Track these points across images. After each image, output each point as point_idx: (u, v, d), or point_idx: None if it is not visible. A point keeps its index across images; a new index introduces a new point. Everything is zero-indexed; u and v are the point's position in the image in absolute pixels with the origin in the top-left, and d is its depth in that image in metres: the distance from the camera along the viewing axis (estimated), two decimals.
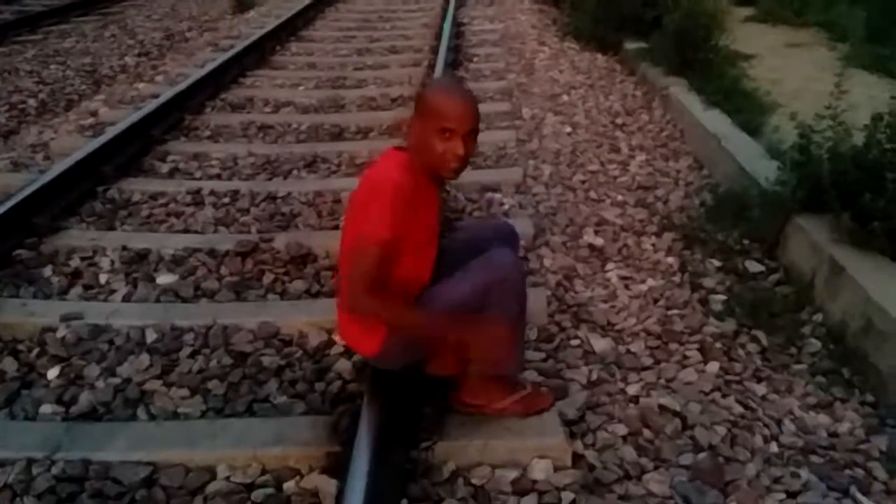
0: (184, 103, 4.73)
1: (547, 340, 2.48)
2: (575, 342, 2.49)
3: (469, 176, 3.77)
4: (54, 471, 1.90)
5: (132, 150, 3.99)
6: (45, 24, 8.10)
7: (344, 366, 2.30)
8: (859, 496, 1.90)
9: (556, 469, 1.92)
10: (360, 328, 1.96)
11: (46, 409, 2.16)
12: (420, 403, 2.09)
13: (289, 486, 1.87)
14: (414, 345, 1.93)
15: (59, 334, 2.47)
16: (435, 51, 6.05)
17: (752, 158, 3.45)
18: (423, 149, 1.84)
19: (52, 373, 2.31)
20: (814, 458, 2.03)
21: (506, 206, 3.45)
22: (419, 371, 2.03)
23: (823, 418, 2.19)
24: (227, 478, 1.90)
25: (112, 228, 3.27)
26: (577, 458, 1.97)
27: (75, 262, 2.94)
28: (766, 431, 2.12)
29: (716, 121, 4.08)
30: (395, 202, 1.77)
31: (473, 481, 1.89)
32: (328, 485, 1.84)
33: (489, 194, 3.54)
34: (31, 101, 5.46)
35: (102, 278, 2.84)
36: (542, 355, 2.40)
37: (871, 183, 2.53)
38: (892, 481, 1.95)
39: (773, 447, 2.06)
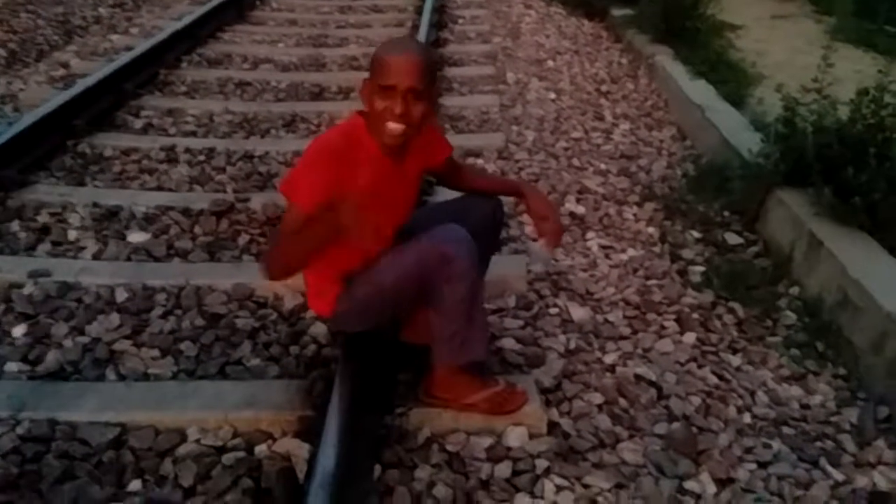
0: (159, 57, 4.58)
1: (525, 308, 2.47)
2: (553, 311, 2.48)
3: (452, 140, 3.68)
4: (19, 430, 1.86)
5: (104, 103, 3.86)
6: None
7: (319, 329, 2.26)
8: (829, 468, 1.92)
9: (531, 437, 1.92)
10: (314, 289, 1.92)
11: (12, 367, 2.10)
12: (395, 369, 2.07)
13: (260, 449, 1.85)
14: (366, 309, 1.86)
15: (26, 291, 2.41)
16: (419, 11, 5.91)
17: (736, 130, 3.44)
18: (369, 111, 1.74)
19: (19, 330, 2.25)
20: (785, 430, 2.05)
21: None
22: (393, 338, 2.00)
23: (796, 390, 2.22)
24: (198, 440, 1.86)
25: (82, 184, 3.18)
26: (553, 426, 1.97)
27: (44, 218, 2.86)
28: (740, 402, 2.14)
29: (700, 91, 4.05)
30: (318, 164, 1.70)
31: (448, 448, 1.88)
32: (300, 449, 1.81)
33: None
34: (1, 51, 5.26)
35: (72, 235, 2.77)
36: (521, 323, 2.38)
37: (854, 158, 2.52)
38: (861, 453, 1.98)
39: (746, 418, 2.08)
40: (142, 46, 4.54)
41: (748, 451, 1.96)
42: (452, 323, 1.80)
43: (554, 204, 1.92)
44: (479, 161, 3.50)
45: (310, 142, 1.79)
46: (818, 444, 2.01)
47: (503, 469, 1.83)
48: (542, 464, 1.84)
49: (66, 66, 4.65)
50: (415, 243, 1.78)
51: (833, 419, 2.11)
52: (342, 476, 1.62)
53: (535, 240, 1.98)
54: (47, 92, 4.06)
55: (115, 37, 5.36)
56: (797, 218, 2.65)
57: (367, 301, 1.84)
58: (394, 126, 1.70)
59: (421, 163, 1.93)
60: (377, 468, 1.80)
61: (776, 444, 1.98)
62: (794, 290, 2.60)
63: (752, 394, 2.18)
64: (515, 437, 1.91)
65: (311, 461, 1.74)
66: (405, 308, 1.90)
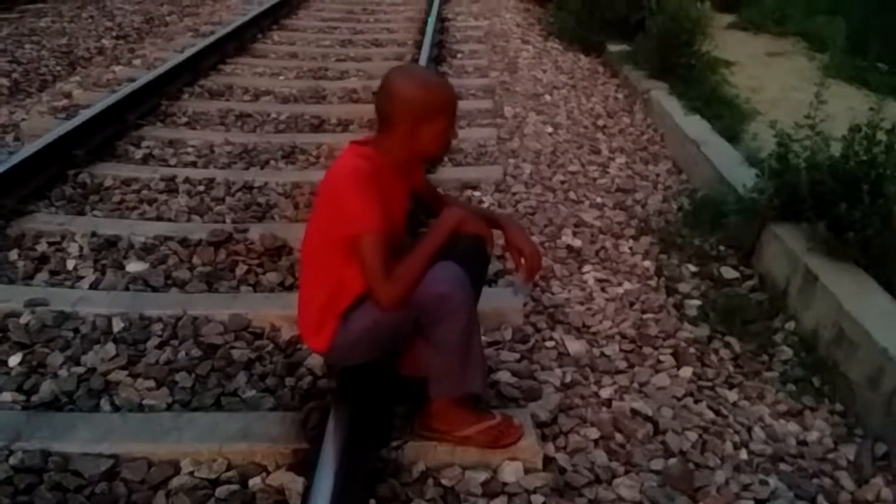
0: (161, 88, 4.64)
1: (522, 341, 2.47)
2: (550, 344, 2.48)
3: (449, 173, 3.76)
4: (12, 461, 1.85)
5: (106, 133, 3.90)
6: (21, 3, 7.91)
7: (315, 361, 2.26)
8: None
9: (527, 472, 1.90)
10: (311, 324, 1.92)
11: (6, 396, 2.10)
12: (391, 402, 2.06)
13: (254, 482, 1.83)
14: (363, 343, 1.87)
15: (23, 320, 2.41)
16: (419, 45, 6.00)
17: (731, 165, 3.47)
18: (425, 146, 1.82)
19: (14, 360, 2.25)
20: (783, 466, 2.04)
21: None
22: (391, 370, 2.00)
23: (793, 426, 2.21)
24: (192, 473, 1.85)
25: (82, 213, 3.19)
26: (549, 461, 1.96)
27: (42, 247, 2.87)
28: (737, 438, 2.13)
29: (696, 126, 4.09)
30: (363, 190, 1.74)
31: (443, 482, 1.87)
32: (295, 482, 1.80)
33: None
34: (4, 81, 5.31)
35: (70, 264, 2.78)
36: (517, 356, 2.38)
37: (847, 193, 2.54)
38: (858, 491, 1.97)
39: (743, 454, 2.07)
40: (144, 78, 4.60)
41: (745, 487, 1.95)
42: (450, 358, 1.81)
43: (530, 239, 1.93)
44: (477, 194, 3.53)
45: (331, 176, 1.82)
46: (815, 481, 2.00)
47: None
48: (537, 499, 1.83)
49: (68, 96, 4.70)
50: None
51: (830, 456, 2.10)
52: None
53: (514, 272, 1.99)
54: (49, 122, 4.10)
55: (118, 68, 5.42)
56: (792, 253, 2.67)
57: (364, 336, 1.85)
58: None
59: (409, 183, 1.98)
60: (372, 502, 1.78)
61: (773, 481, 1.97)
62: (790, 325, 2.60)
63: (749, 430, 2.17)
64: (511, 471, 1.89)
65: (306, 495, 1.73)
66: (401, 342, 1.91)
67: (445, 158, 3.95)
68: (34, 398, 2.10)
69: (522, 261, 1.91)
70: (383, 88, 1.81)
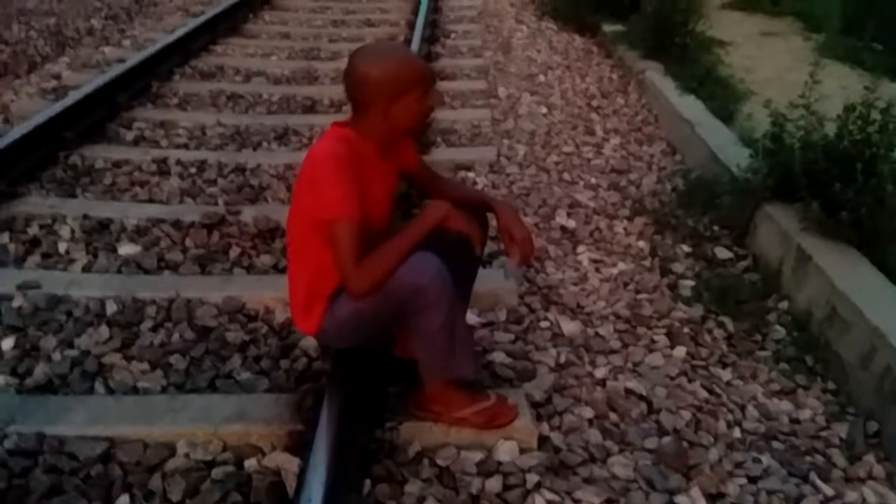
0: (151, 69, 4.59)
1: (516, 322, 2.47)
2: (544, 324, 2.48)
3: (443, 154, 3.75)
4: (7, 444, 1.84)
5: (96, 115, 3.86)
6: None
7: (309, 343, 2.26)
8: (819, 482, 1.92)
9: (522, 451, 1.91)
10: (299, 307, 1.91)
11: (0, 380, 2.09)
12: (385, 383, 2.06)
13: (250, 463, 1.84)
14: (348, 328, 1.86)
15: (15, 304, 2.39)
16: (412, 25, 5.95)
17: (725, 145, 3.46)
18: (401, 122, 1.80)
19: (7, 343, 2.23)
20: (775, 444, 2.06)
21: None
22: (385, 352, 2.00)
23: (786, 405, 2.22)
24: (187, 454, 1.85)
25: (73, 196, 3.17)
26: (543, 441, 1.97)
27: (34, 230, 2.85)
28: (730, 417, 2.14)
29: (690, 106, 4.08)
30: (338, 174, 1.72)
31: (438, 462, 1.87)
32: (290, 463, 1.80)
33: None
34: None
35: (62, 247, 2.76)
36: (511, 337, 2.39)
37: (841, 173, 2.54)
38: (850, 468, 1.99)
39: (737, 432, 2.08)
40: (134, 59, 4.55)
41: (738, 465, 1.96)
42: (434, 347, 1.80)
43: (523, 223, 1.92)
44: (471, 175, 3.51)
45: (310, 159, 1.80)
46: (808, 458, 2.02)
47: (494, 484, 1.82)
48: (532, 478, 1.84)
49: (57, 77, 4.64)
50: None
51: (823, 434, 2.12)
52: (332, 491, 1.61)
53: (506, 254, 1.98)
54: (39, 103, 4.05)
55: (107, 49, 5.36)
56: (785, 233, 2.67)
57: (349, 321, 1.84)
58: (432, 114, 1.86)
59: (398, 163, 1.96)
60: (367, 483, 1.79)
61: (766, 459, 1.99)
62: (784, 305, 2.62)
63: (742, 408, 2.19)
64: (506, 451, 1.90)
65: (301, 476, 1.74)
66: (388, 328, 1.90)
67: (439, 139, 3.93)
68: (28, 381, 2.09)
69: (513, 244, 1.90)
70: (348, 74, 1.78)
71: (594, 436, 2.01)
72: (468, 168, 3.58)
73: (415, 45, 5.09)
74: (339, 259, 1.73)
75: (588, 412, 2.09)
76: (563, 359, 2.31)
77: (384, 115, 1.79)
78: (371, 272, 1.73)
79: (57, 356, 2.19)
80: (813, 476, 1.95)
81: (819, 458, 2.02)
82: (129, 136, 3.84)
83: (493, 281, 2.54)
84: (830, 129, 2.73)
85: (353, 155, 1.77)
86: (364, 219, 1.75)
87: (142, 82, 4.43)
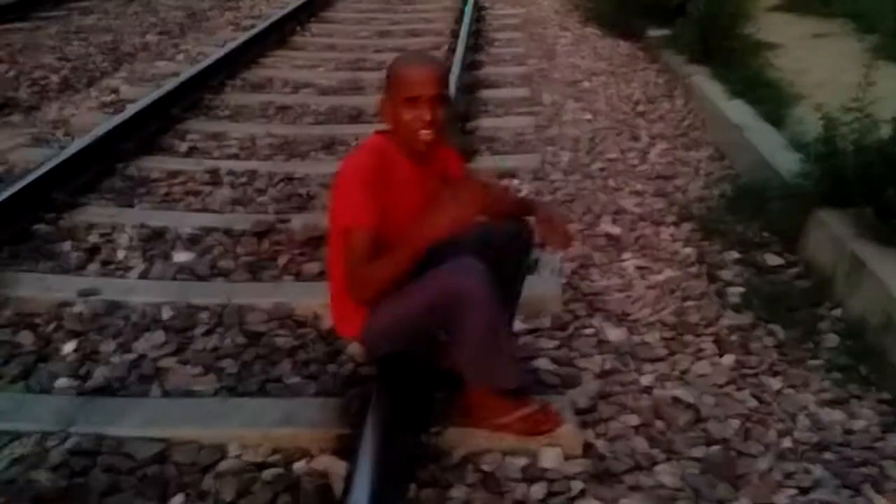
0: (204, 82, 4.73)
1: (561, 329, 2.47)
2: (589, 331, 2.48)
3: (487, 161, 3.77)
4: (68, 444, 1.92)
5: (151, 127, 4.00)
6: (68, 1, 8.12)
7: (356, 348, 2.29)
8: (872, 494, 1.87)
9: (567, 458, 1.91)
10: (341, 313, 1.95)
11: (62, 382, 2.18)
12: (431, 388, 2.08)
13: (298, 466, 1.88)
14: (390, 336, 1.87)
15: (76, 309, 2.49)
16: (456, 34, 6.00)
17: (775, 150, 3.40)
18: (395, 124, 1.84)
19: (69, 347, 2.33)
20: (827, 455, 2.01)
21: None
22: (430, 362, 2.01)
23: (838, 415, 2.16)
24: (238, 456, 1.91)
25: (130, 205, 3.29)
26: (588, 448, 1.96)
27: (93, 238, 2.96)
28: (780, 426, 2.10)
29: (738, 111, 4.02)
30: (361, 184, 1.76)
31: (483, 467, 1.88)
32: (337, 466, 1.84)
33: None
34: (54, 78, 5.47)
35: (120, 255, 2.86)
36: (556, 343, 2.38)
37: None
38: None
39: (787, 442, 2.04)
40: (187, 72, 4.70)
41: (788, 476, 1.92)
42: (476, 353, 1.80)
43: (560, 214, 1.94)
44: (515, 182, 3.52)
45: (340, 169, 1.86)
46: (861, 469, 1.96)
47: (538, 490, 1.82)
48: (577, 485, 1.83)
49: (115, 91, 4.83)
50: (430, 278, 1.78)
51: (877, 445, 2.05)
52: (378, 494, 1.64)
53: (542, 246, 1.99)
54: (97, 117, 4.22)
55: (161, 63, 5.54)
56: (838, 239, 2.61)
57: (389, 329, 1.86)
58: (425, 133, 1.80)
59: (440, 172, 1.97)
60: (413, 487, 1.81)
61: (818, 470, 1.94)
62: (837, 312, 2.55)
63: (793, 417, 2.14)
64: (550, 457, 1.90)
65: (348, 479, 1.77)
66: (434, 337, 1.91)
67: (483, 147, 3.95)
68: (88, 384, 2.18)
69: (550, 230, 1.93)
70: None
71: (640, 443, 2.00)
72: (512, 175, 3.59)
73: (458, 54, 5.13)
74: (346, 262, 1.77)
75: (634, 419, 2.08)
76: (608, 366, 2.30)
77: (391, 117, 1.84)
78: (365, 280, 1.76)
79: (115, 359, 2.28)
80: (866, 488, 1.89)
81: (873, 470, 1.96)
82: (183, 147, 3.96)
83: (538, 287, 2.54)
84: (885, 131, 2.66)
85: (380, 164, 1.81)
86: (396, 225, 1.77)
87: (195, 95, 4.57)
